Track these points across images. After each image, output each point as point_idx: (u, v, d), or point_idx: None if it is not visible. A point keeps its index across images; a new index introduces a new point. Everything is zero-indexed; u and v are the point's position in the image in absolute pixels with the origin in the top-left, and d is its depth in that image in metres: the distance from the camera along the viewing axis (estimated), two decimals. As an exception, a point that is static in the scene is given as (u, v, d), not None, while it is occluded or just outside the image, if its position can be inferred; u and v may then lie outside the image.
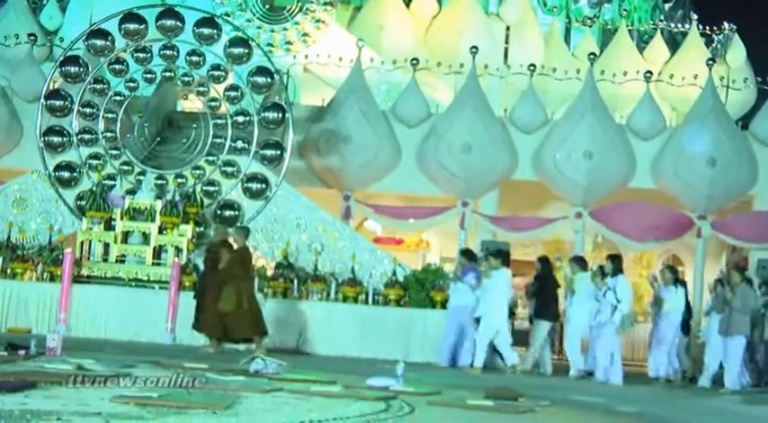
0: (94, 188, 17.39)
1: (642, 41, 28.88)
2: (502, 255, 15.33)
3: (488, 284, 14.94)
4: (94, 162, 17.96)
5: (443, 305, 16.19)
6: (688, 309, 16.38)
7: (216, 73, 17.98)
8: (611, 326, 14.71)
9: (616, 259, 15.20)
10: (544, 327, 15.67)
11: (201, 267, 16.94)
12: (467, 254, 16.10)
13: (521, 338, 16.99)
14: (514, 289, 16.25)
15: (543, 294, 15.71)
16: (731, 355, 15.00)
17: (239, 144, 17.94)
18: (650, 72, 21.88)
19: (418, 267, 18.31)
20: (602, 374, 14.77)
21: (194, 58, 17.87)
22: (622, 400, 11.66)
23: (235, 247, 15.08)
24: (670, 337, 15.60)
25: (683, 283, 16.53)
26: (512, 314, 16.12)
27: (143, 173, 17.84)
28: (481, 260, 15.68)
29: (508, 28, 25.96)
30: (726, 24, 28.47)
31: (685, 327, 16.36)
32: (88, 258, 16.80)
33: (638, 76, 21.66)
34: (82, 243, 16.92)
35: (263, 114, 17.92)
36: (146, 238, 16.83)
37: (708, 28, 28.51)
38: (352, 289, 16.79)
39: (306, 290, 16.83)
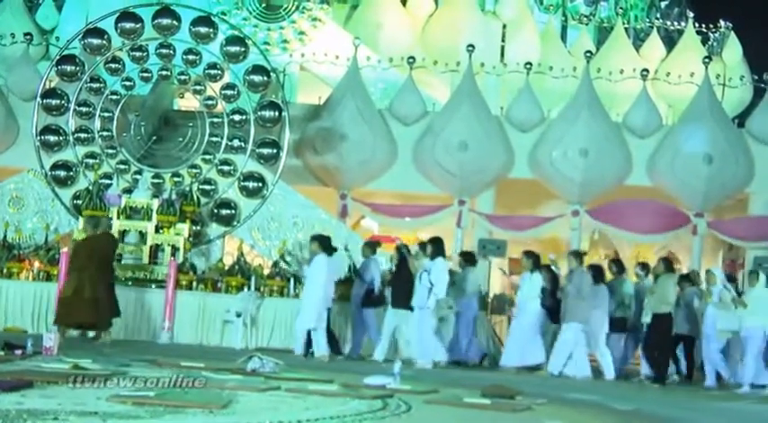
0: (91, 187, 17.36)
1: (638, 39, 28.94)
2: (322, 240, 14.87)
3: (308, 271, 14.68)
4: (91, 161, 17.94)
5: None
6: (555, 296, 15.47)
7: (212, 71, 17.95)
8: (427, 310, 14.16)
9: (437, 242, 14.60)
10: (396, 315, 14.99)
11: (198, 265, 16.98)
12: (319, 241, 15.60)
13: None
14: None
15: (397, 283, 15.09)
16: (564, 342, 14.58)
17: (236, 143, 17.93)
18: (646, 70, 21.90)
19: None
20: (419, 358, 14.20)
21: (191, 57, 17.84)
22: (619, 398, 11.67)
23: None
24: (528, 325, 15.00)
25: (549, 270, 15.73)
26: (378, 303, 15.53)
27: (139, 172, 17.82)
28: (307, 246, 15.46)
29: (505, 26, 26.01)
30: (722, 22, 28.56)
31: (555, 315, 15.45)
32: (85, 258, 16.75)
33: (635, 74, 21.68)
34: (78, 242, 16.88)
35: (259, 113, 17.90)
36: (142, 237, 16.80)
37: (704, 26, 28.60)
38: (348, 287, 16.75)
39: (302, 288, 16.80)
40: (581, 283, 14.69)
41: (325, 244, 14.75)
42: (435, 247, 14.44)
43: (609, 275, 16.12)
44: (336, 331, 15.66)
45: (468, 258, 16.24)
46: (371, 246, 16.03)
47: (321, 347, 14.36)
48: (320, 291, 14.39)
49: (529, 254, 15.65)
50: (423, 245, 14.87)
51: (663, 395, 13.14)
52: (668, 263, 15.25)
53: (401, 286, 14.68)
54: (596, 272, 15.36)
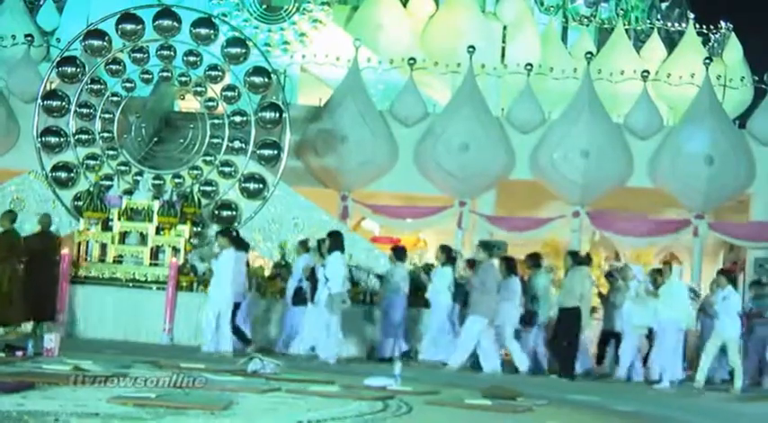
0: (92, 189, 17.37)
1: (639, 40, 28.97)
2: (230, 235, 14.86)
3: (215, 265, 14.56)
4: (92, 162, 17.95)
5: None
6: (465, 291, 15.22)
7: (213, 73, 17.96)
8: (319, 304, 14.03)
9: (334, 236, 14.44)
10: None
11: (198, 267, 16.96)
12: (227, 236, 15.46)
13: None
14: None
15: (313, 279, 14.88)
16: (467, 335, 14.38)
17: (236, 144, 17.93)
18: (647, 71, 21.89)
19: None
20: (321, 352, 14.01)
21: (191, 59, 17.85)
22: (620, 399, 11.67)
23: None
24: (439, 319, 14.97)
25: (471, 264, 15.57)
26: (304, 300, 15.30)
27: (140, 173, 17.83)
28: (213, 240, 15.42)
29: (505, 27, 26.01)
30: (722, 23, 28.57)
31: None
32: (85, 259, 16.78)
33: (635, 75, 21.68)
34: (79, 244, 16.90)
35: (260, 114, 17.90)
36: (143, 238, 16.82)
37: (704, 27, 28.62)
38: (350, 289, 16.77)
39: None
40: (486, 276, 14.50)
41: (233, 239, 14.77)
42: (333, 241, 14.32)
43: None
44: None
45: (397, 254, 16.00)
46: (303, 243, 15.98)
47: (227, 343, 14.25)
48: (229, 285, 14.29)
49: (443, 247, 15.71)
50: (321, 240, 14.78)
51: (664, 396, 13.14)
52: (576, 256, 15.01)
53: (314, 282, 14.66)
54: (508, 264, 15.16)
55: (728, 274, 15.10)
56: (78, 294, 15.97)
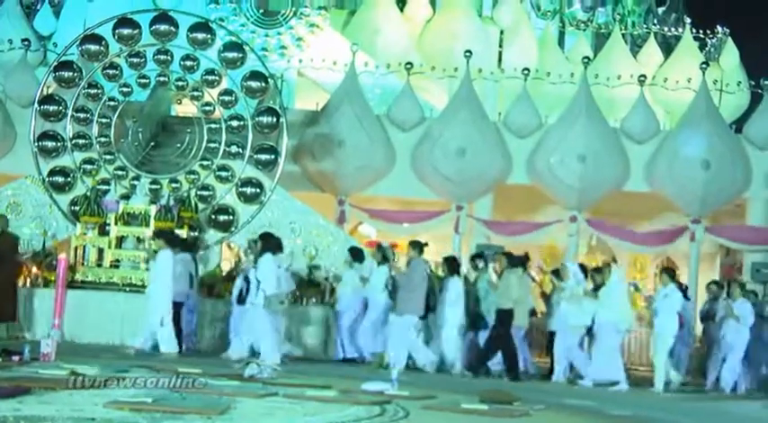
0: (88, 193, 17.34)
1: (636, 45, 28.99)
2: (166, 235, 14.84)
3: (152, 266, 14.48)
4: (88, 167, 17.93)
5: None
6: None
7: (210, 77, 17.95)
8: (257, 306, 13.97)
9: (266, 238, 14.45)
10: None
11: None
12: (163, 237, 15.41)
13: None
14: None
15: (247, 282, 14.89)
16: (398, 335, 14.31)
17: (233, 149, 17.92)
18: (644, 75, 21.92)
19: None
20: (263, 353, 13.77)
21: (188, 63, 17.84)
22: (616, 403, 11.67)
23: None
24: (373, 316, 15.03)
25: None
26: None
27: (137, 178, 17.82)
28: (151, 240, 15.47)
29: (502, 32, 26.06)
30: (719, 28, 28.62)
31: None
32: (82, 263, 16.75)
33: (632, 80, 21.72)
34: (76, 248, 16.88)
35: (257, 119, 17.90)
36: (140, 242, 16.81)
37: (701, 31, 28.64)
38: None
39: (300, 295, 16.78)
40: (413, 273, 14.45)
41: (170, 240, 14.77)
42: (264, 242, 14.34)
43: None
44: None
45: (354, 255, 16.05)
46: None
47: (170, 344, 14.26)
48: (167, 286, 14.26)
49: (379, 246, 15.76)
50: (254, 241, 14.80)
51: (661, 400, 13.14)
52: (512, 258, 14.95)
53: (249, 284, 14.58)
54: (451, 264, 15.11)
55: (672, 273, 15.03)
56: (75, 299, 15.93)
